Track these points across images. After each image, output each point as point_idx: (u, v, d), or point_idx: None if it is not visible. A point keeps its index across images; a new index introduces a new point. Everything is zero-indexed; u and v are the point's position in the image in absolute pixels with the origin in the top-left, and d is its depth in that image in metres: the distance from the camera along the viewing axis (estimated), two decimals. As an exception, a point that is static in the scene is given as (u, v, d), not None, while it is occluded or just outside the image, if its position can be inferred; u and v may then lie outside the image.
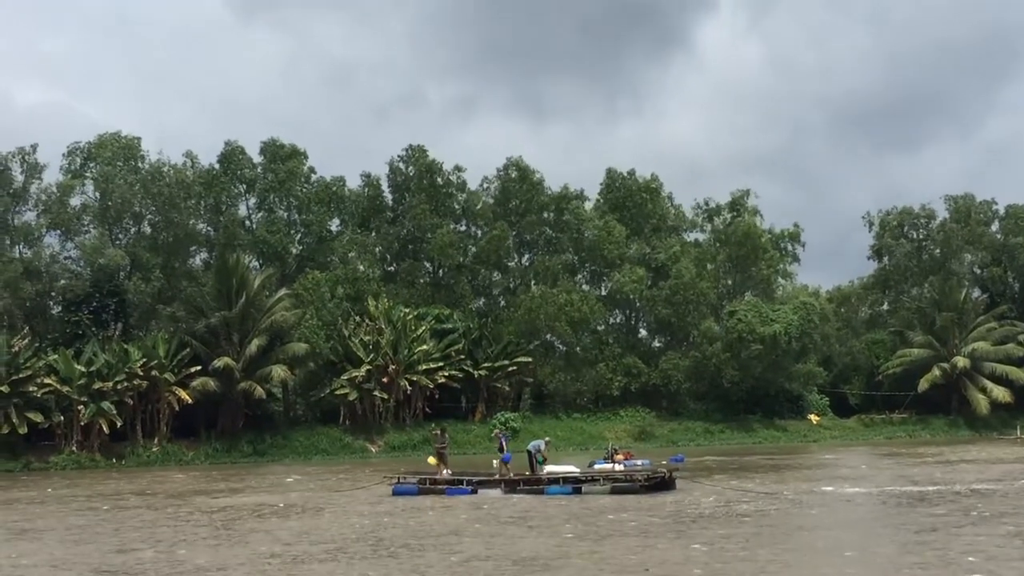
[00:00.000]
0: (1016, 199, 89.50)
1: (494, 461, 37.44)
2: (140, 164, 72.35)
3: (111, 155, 70.95)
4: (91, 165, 71.51)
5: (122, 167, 71.16)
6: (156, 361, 61.67)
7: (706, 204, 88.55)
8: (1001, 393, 77.19)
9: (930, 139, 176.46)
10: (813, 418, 79.04)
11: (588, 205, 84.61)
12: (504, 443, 37.66)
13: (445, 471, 35.84)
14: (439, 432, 39.50)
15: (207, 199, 74.41)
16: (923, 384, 78.56)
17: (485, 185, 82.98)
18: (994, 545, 19.22)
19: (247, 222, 77.16)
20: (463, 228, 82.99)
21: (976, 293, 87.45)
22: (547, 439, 38.90)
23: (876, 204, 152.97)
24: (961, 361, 78.27)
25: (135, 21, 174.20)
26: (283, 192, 76.51)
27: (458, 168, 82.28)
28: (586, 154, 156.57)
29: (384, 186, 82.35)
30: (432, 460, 37.43)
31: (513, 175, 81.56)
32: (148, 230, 72.68)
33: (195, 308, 65.65)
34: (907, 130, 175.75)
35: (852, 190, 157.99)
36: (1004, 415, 77.60)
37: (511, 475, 34.93)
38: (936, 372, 78.73)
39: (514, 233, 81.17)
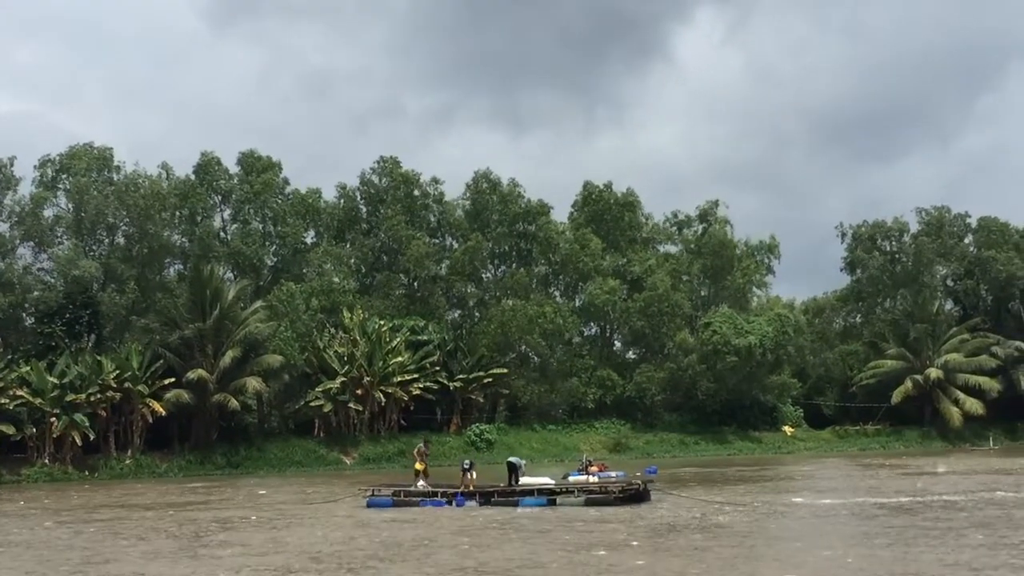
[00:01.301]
0: (993, 209, 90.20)
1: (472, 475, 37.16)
2: (114, 175, 72.07)
3: (85, 166, 70.60)
4: (64, 177, 71.16)
5: (96, 178, 70.88)
6: (129, 373, 61.33)
7: (675, 216, 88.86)
8: (974, 405, 77.49)
9: (908, 150, 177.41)
10: (787, 429, 79.29)
11: (556, 215, 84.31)
12: (467, 474, 36.60)
13: (420, 483, 35.73)
14: (424, 443, 39.43)
15: (182, 210, 74.13)
16: (896, 396, 78.81)
17: (466, 195, 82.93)
18: (962, 556, 19.30)
19: (222, 234, 76.91)
20: (438, 240, 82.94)
21: (949, 305, 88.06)
22: (524, 461, 38.62)
23: (854, 215, 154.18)
24: (934, 372, 78.58)
25: (110, 32, 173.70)
26: (258, 204, 76.31)
27: (435, 180, 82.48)
28: (565, 164, 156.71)
29: (358, 197, 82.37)
30: (419, 465, 37.26)
31: (484, 187, 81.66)
32: (122, 241, 72.33)
33: (169, 320, 65.31)
34: (885, 141, 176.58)
35: (830, 200, 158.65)
36: (977, 426, 78.04)
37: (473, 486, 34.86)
38: (909, 384, 78.99)
39: (489, 244, 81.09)
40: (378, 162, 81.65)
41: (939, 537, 22.15)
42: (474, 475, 35.47)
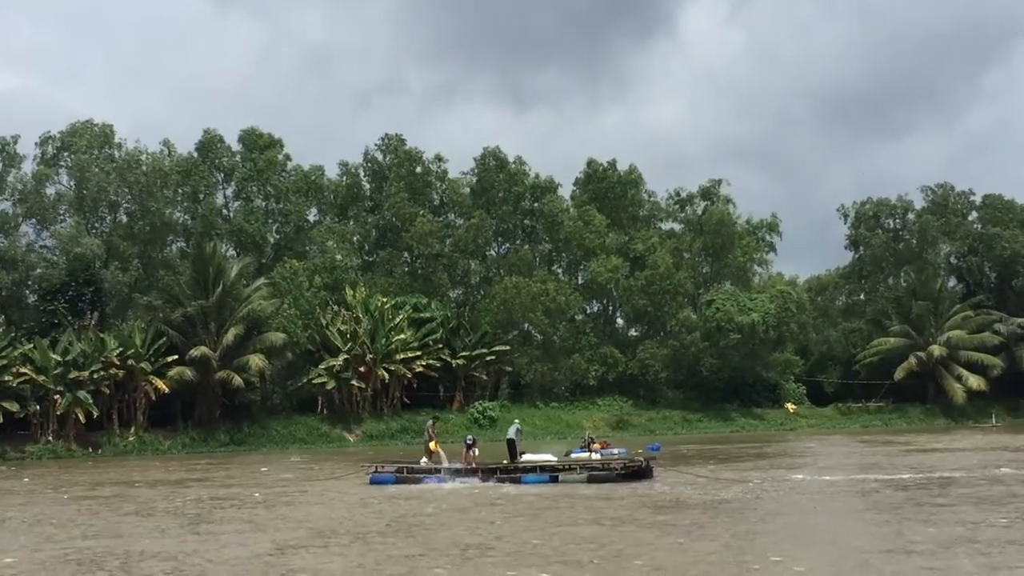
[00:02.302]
0: (997, 188, 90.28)
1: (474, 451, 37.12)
2: (115, 152, 72.12)
3: (86, 143, 70.59)
4: (65, 154, 71.17)
5: (97, 155, 70.90)
6: (132, 350, 61.53)
7: (677, 194, 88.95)
8: (977, 381, 77.81)
9: (913, 128, 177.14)
10: (790, 407, 79.50)
11: (562, 191, 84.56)
12: (470, 450, 36.68)
13: (423, 460, 35.79)
14: (433, 420, 39.39)
15: (184, 188, 74.25)
16: (899, 373, 79.12)
17: (474, 171, 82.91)
18: (959, 531, 19.38)
19: (224, 211, 77.07)
20: (441, 218, 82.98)
21: (952, 283, 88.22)
22: (518, 424, 38.58)
23: (858, 193, 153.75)
24: (937, 349, 78.71)
25: (110, 9, 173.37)
26: (261, 181, 76.50)
27: (439, 158, 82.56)
28: (568, 141, 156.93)
29: (362, 175, 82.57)
30: (434, 445, 37.25)
31: (491, 164, 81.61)
32: (124, 219, 72.51)
33: (172, 297, 65.44)
34: (890, 119, 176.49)
35: (834, 179, 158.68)
36: (980, 403, 78.24)
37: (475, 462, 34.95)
38: (912, 361, 79.21)
39: (494, 222, 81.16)
40: (383, 139, 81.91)
41: (937, 513, 22.24)
42: (476, 452, 35.61)
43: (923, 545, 17.99)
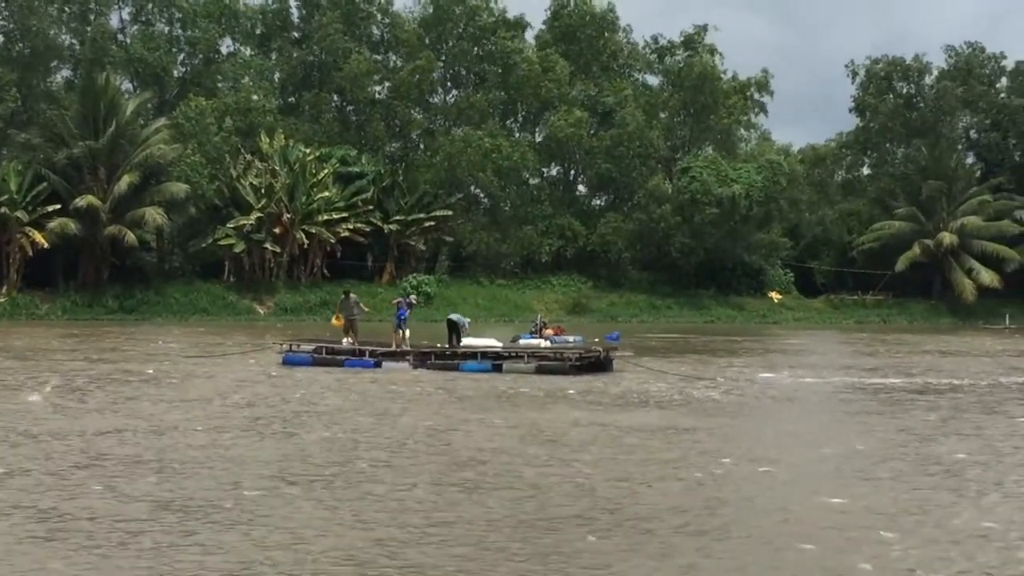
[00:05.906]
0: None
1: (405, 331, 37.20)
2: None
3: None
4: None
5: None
6: (6, 196, 60.92)
7: (656, 42, 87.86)
8: (990, 277, 78.29)
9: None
10: (774, 296, 79.98)
11: (530, 34, 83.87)
12: (402, 311, 36.70)
13: (346, 340, 35.79)
14: (344, 296, 39.01)
15: (72, 5, 72.86)
16: (902, 262, 79.32)
17: (419, 3, 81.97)
18: (949, 444, 19.67)
19: (120, 36, 75.80)
20: (381, 57, 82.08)
21: (970, 160, 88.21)
22: (468, 320, 38.69)
23: (874, 50, 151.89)
24: (947, 238, 79.00)
25: None
26: (164, 2, 75.08)
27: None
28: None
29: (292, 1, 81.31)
30: (336, 321, 37.35)
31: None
32: (0, 39, 71.22)
33: (55, 135, 64.65)
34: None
35: (846, 31, 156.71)
36: (991, 301, 79.01)
37: (406, 345, 35.00)
38: (917, 249, 79.50)
39: (441, 65, 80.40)
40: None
41: (937, 425, 22.46)
42: (407, 333, 35.57)
43: (909, 461, 18.26)
